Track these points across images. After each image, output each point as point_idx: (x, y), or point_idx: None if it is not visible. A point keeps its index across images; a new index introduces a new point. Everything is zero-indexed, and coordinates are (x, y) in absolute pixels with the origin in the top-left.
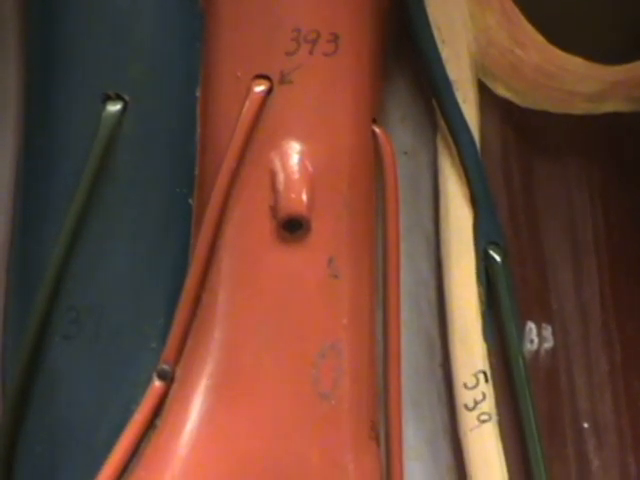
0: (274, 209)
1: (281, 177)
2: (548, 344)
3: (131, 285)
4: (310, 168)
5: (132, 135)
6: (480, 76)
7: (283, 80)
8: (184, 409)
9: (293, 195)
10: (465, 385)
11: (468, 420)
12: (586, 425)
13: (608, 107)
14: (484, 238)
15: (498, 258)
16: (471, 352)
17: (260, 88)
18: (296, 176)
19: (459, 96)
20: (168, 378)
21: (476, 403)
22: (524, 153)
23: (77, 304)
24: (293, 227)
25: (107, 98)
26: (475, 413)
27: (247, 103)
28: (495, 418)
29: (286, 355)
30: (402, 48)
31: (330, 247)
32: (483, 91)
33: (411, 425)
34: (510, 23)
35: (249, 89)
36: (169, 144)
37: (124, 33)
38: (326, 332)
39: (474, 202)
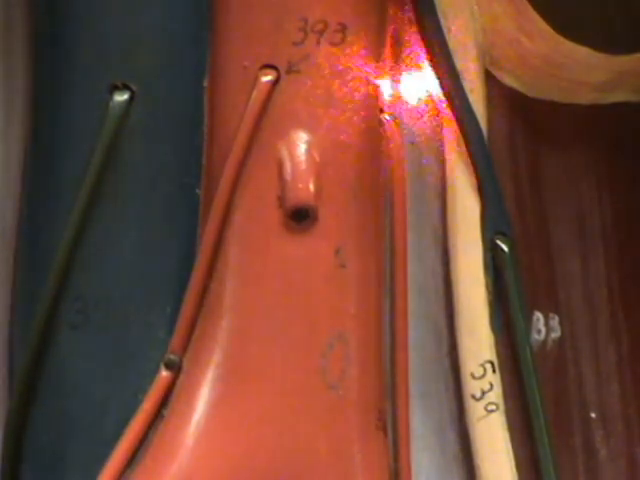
0: (281, 199)
1: (288, 167)
2: (555, 334)
3: (138, 275)
4: (317, 158)
5: (139, 125)
6: (487, 66)
7: (290, 70)
8: (191, 399)
9: (300, 185)
10: (472, 375)
11: (475, 410)
12: (593, 415)
13: (615, 97)
14: (491, 228)
15: (505, 248)
16: (478, 342)
17: (267, 78)
18: (303, 166)
19: (466, 86)
20: (175, 368)
21: (483, 393)
22: (531, 143)
23: (84, 293)
24: (300, 217)
25: (114, 88)
26: (482, 403)
27: (254, 93)
28: (502, 408)
29: (294, 345)
30: (409, 37)
31: (337, 237)
32: (490, 81)
33: (418, 415)
34: (517, 12)
35: (256, 79)
36: (176, 134)
37: (132, 23)
38: (334, 322)
39: (481, 192)
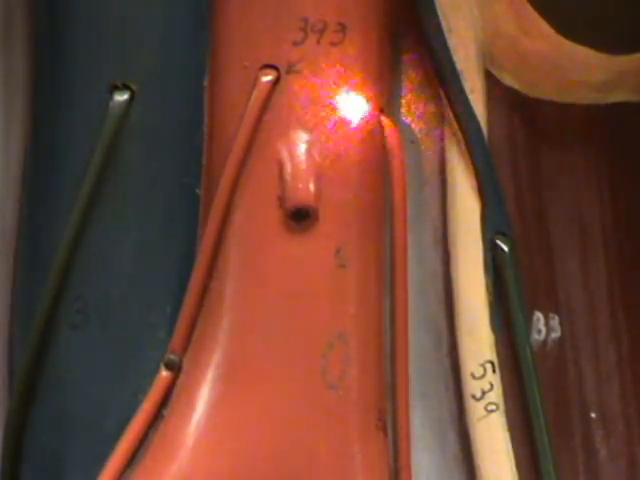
0: (281, 199)
1: (288, 167)
2: (555, 334)
3: (138, 275)
4: (317, 158)
5: (139, 125)
6: (487, 66)
7: (290, 70)
8: (191, 399)
9: (300, 185)
10: (473, 375)
11: (476, 410)
12: (593, 415)
13: (616, 97)
14: (491, 228)
15: (506, 248)
16: (479, 342)
17: (267, 78)
18: (303, 166)
19: (466, 86)
20: (175, 368)
21: (484, 393)
22: (531, 143)
23: (84, 294)
24: (300, 217)
25: (114, 88)
26: (482, 403)
27: (254, 93)
28: (502, 408)
29: (294, 345)
30: (409, 37)
31: (337, 237)
32: (490, 81)
33: (418, 415)
34: (517, 12)
35: (256, 79)
36: (176, 134)
37: (132, 23)
38: (333, 322)
39: (481, 192)
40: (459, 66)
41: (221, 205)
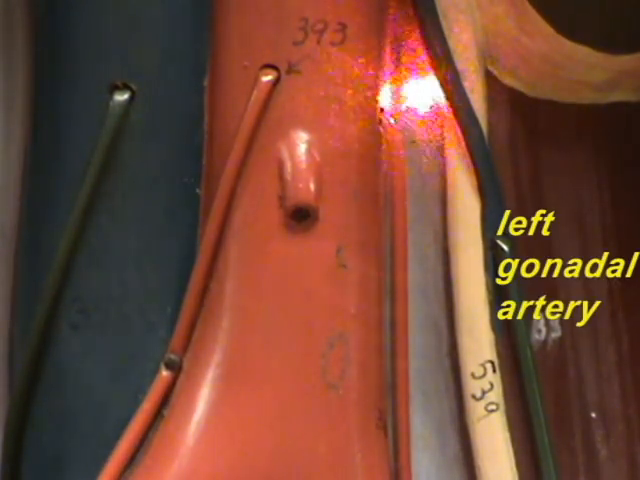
0: (282, 198)
1: (289, 166)
2: (556, 334)
3: (138, 275)
4: (318, 157)
5: (139, 125)
6: (488, 66)
7: (291, 70)
8: (192, 399)
9: (301, 184)
10: (473, 375)
11: (476, 410)
12: (594, 415)
13: (616, 96)
14: (491, 228)
15: (506, 248)
16: (479, 342)
17: (268, 78)
18: (304, 165)
19: (467, 86)
20: (176, 368)
21: (484, 393)
22: (532, 143)
23: (84, 294)
24: (301, 216)
25: (115, 88)
26: (483, 403)
27: (255, 93)
28: (503, 408)
29: (295, 345)
30: (409, 37)
31: (338, 236)
32: (491, 81)
33: (419, 414)
34: (517, 12)
35: (257, 79)
36: (177, 134)
37: (132, 23)
38: (334, 322)
39: (482, 192)
40: (459, 66)
41: (221, 205)
